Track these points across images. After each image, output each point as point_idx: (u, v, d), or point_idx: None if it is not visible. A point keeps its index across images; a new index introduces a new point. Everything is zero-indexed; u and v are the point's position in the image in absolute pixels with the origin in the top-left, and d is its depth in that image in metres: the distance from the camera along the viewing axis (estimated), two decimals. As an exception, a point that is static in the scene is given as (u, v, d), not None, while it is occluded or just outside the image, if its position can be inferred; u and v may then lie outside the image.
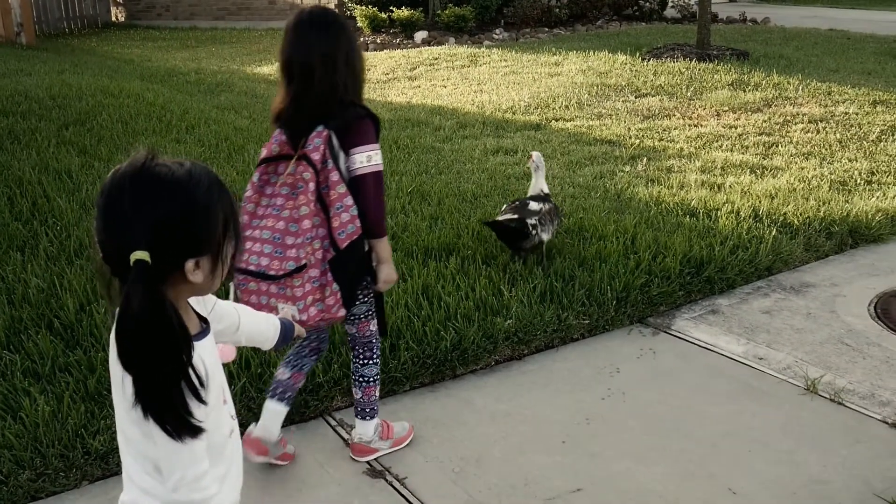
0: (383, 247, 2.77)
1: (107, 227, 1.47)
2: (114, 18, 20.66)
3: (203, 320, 1.64)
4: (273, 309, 2.61)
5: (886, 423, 3.25)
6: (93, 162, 6.30)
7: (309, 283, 2.60)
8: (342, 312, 2.69)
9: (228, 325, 1.89)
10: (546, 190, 4.65)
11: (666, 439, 3.18)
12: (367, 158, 2.64)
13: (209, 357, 1.61)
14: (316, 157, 2.56)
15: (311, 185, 2.57)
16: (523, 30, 14.89)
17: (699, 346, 3.92)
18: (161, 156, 1.51)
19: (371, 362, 2.97)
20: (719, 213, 5.17)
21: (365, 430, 3.03)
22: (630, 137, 7.41)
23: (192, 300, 1.65)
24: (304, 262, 2.58)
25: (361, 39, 14.65)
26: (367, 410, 3.02)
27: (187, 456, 1.53)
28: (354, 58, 2.66)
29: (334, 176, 2.60)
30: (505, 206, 4.65)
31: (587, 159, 6.69)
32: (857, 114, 8.05)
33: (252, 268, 2.62)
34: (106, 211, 1.47)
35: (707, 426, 3.26)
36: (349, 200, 2.62)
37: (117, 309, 1.47)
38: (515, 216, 4.32)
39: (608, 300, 4.10)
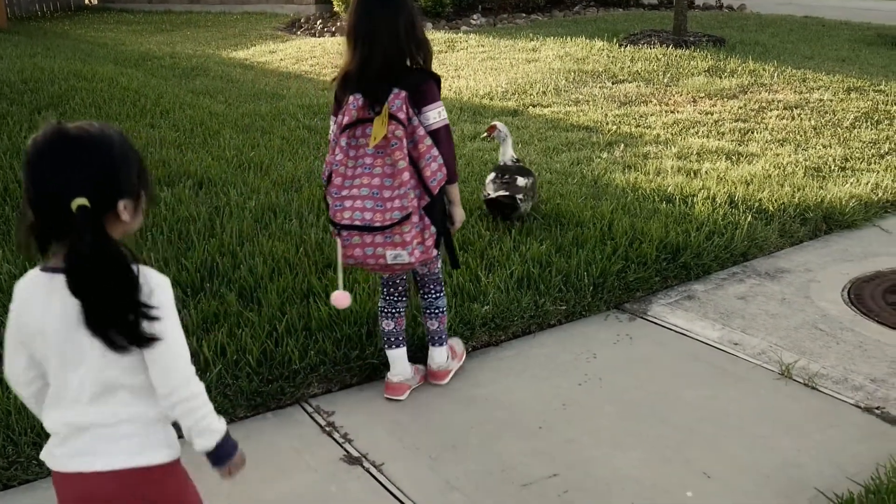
0: (455, 191, 3.13)
1: (44, 184, 1.70)
2: (87, 1, 20.39)
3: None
4: (380, 257, 2.94)
5: (859, 407, 3.29)
6: (65, 147, 6.21)
7: (413, 228, 2.92)
8: (435, 252, 3.08)
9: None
10: (515, 156, 4.96)
11: (642, 424, 3.20)
12: (438, 114, 2.97)
13: None
14: (402, 116, 2.86)
15: (404, 141, 2.87)
16: (501, 15, 14.85)
17: (675, 331, 3.94)
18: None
19: (442, 294, 3.37)
20: (695, 199, 5.19)
21: (441, 356, 3.41)
22: (607, 123, 7.42)
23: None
24: (409, 210, 2.88)
25: (338, 24, 14.56)
26: (444, 338, 3.41)
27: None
28: (416, 26, 2.94)
29: (420, 131, 2.91)
30: (493, 174, 4.88)
31: (564, 145, 6.70)
32: (831, 100, 8.11)
33: (357, 223, 2.89)
34: (40, 171, 1.70)
35: (683, 411, 3.28)
36: (435, 151, 2.94)
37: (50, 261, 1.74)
38: (507, 193, 4.68)
39: (585, 286, 4.10)
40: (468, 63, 10.40)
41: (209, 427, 1.88)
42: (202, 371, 3.27)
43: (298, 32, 14.67)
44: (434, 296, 3.34)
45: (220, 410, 3.15)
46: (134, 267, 1.74)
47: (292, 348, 3.42)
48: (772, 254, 4.83)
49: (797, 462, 2.96)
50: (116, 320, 1.72)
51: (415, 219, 2.92)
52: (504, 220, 4.77)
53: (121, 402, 1.80)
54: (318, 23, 14.97)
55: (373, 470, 2.93)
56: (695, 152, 6.41)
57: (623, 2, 16.53)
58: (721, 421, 3.22)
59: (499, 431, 3.16)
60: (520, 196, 4.69)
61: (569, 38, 11.57)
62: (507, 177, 4.76)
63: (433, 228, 3.01)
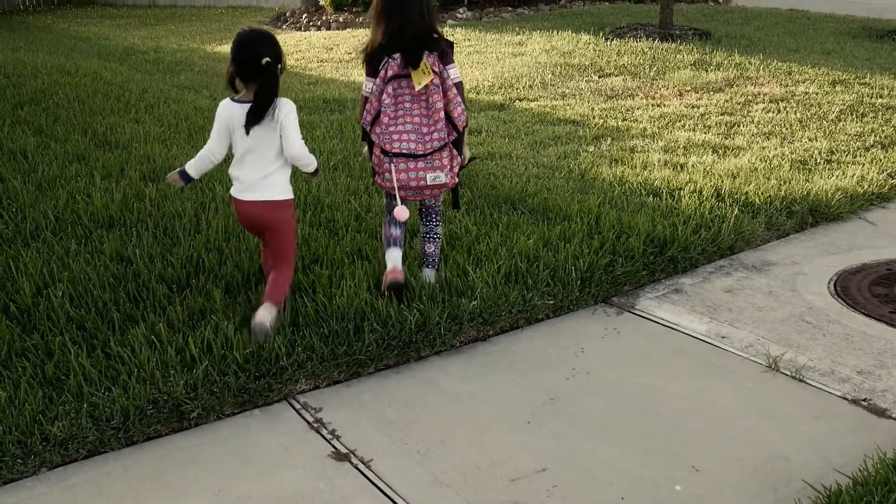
0: (465, 135, 3.85)
1: (248, 51, 3.33)
2: (70, -5, 20.23)
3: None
4: (422, 179, 3.68)
5: (846, 399, 3.30)
6: (49, 142, 6.18)
7: (448, 155, 3.69)
8: (457, 179, 3.83)
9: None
10: None
11: (630, 418, 3.20)
12: (456, 72, 3.75)
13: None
14: (437, 69, 3.63)
15: (440, 87, 3.64)
16: (487, 9, 14.84)
17: (663, 325, 3.94)
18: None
19: (441, 222, 4.02)
20: (682, 192, 5.20)
21: (433, 277, 3.97)
22: (594, 117, 7.42)
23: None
24: (445, 141, 3.66)
25: (323, 18, 14.49)
26: (437, 261, 4.00)
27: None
28: (432, 4, 3.78)
29: (448, 82, 3.67)
30: None
31: (551, 139, 6.69)
32: (816, 93, 8.14)
33: (404, 151, 3.65)
34: (245, 45, 3.36)
35: (670, 404, 3.29)
36: (459, 98, 3.71)
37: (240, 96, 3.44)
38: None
39: (573, 280, 4.10)
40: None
41: (311, 167, 3.65)
42: (188, 368, 3.26)
43: (284, 27, 14.61)
44: (435, 222, 4.00)
45: (206, 408, 3.16)
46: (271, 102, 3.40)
47: (279, 344, 3.40)
48: (758, 247, 4.84)
49: (784, 454, 2.97)
50: (258, 119, 3.39)
51: (447, 149, 3.69)
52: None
53: (269, 166, 3.48)
54: (304, 17, 14.91)
55: (361, 466, 2.92)
56: (681, 146, 6.42)
57: (609, -5, 16.53)
58: (709, 414, 3.22)
59: (487, 426, 3.16)
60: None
61: (555, 32, 11.57)
62: None
63: (459, 157, 3.79)
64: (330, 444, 3.05)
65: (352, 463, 2.94)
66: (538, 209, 4.89)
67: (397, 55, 3.62)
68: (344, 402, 3.32)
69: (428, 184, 3.69)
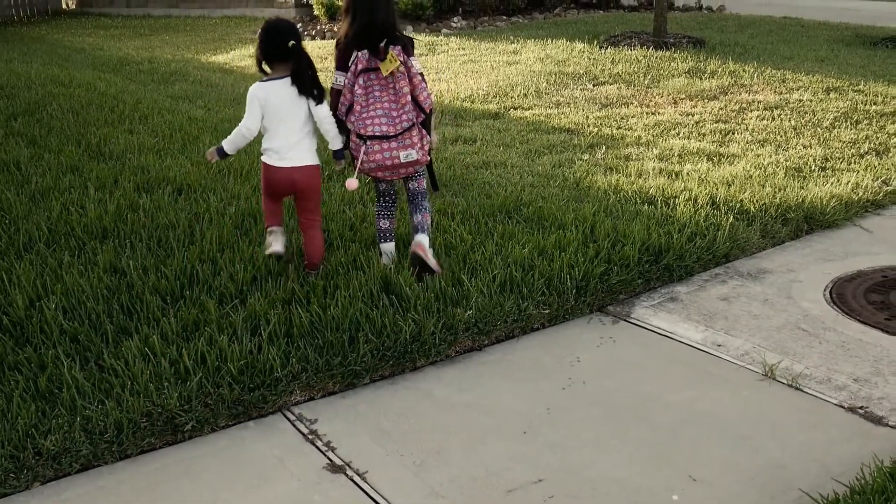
0: (432, 120, 4.19)
1: (276, 37, 3.90)
2: (65, 6, 20.25)
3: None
4: (395, 158, 4.02)
5: (843, 407, 3.29)
6: (42, 153, 6.16)
7: (416, 134, 4.05)
8: (429, 157, 4.19)
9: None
10: None
11: (626, 427, 3.19)
12: (419, 64, 4.09)
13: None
14: (402, 58, 3.95)
15: (406, 74, 4.00)
16: (481, 18, 14.86)
17: (658, 333, 3.93)
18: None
19: (427, 200, 4.32)
20: (677, 200, 5.20)
21: (425, 239, 4.21)
22: (588, 126, 7.43)
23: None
24: (412, 122, 4.03)
25: (318, 27, 14.51)
26: (426, 228, 4.25)
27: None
28: (393, 4, 4.15)
29: (412, 70, 4.02)
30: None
31: (546, 148, 6.69)
32: (811, 101, 8.15)
33: (377, 133, 3.99)
34: (273, 32, 3.92)
35: (667, 413, 3.27)
36: (424, 83, 4.08)
37: (273, 75, 3.98)
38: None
39: (568, 289, 4.09)
40: (449, 66, 10.38)
41: (336, 143, 4.13)
42: (182, 380, 3.24)
43: (278, 36, 14.62)
44: (420, 199, 4.29)
45: (200, 420, 3.14)
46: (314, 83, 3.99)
47: (274, 356, 3.39)
48: (754, 254, 4.84)
49: (782, 463, 2.95)
50: (310, 91, 3.96)
51: (415, 129, 4.04)
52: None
53: (300, 132, 4.01)
54: (299, 26, 14.93)
55: (356, 478, 2.91)
56: (676, 154, 6.42)
57: (603, 4, 16.58)
58: (705, 423, 3.21)
59: (483, 436, 3.14)
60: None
61: (549, 41, 11.59)
62: None
63: (428, 137, 4.12)
64: (325, 455, 3.03)
65: (347, 475, 2.92)
66: (533, 218, 4.88)
67: (365, 51, 3.97)
68: (339, 413, 3.31)
69: (402, 161, 4.04)
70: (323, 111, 4.02)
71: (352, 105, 4.02)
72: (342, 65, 4.07)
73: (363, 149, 4.01)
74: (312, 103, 3.97)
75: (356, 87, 4.01)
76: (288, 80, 3.92)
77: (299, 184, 4.06)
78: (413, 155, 4.04)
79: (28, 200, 5.10)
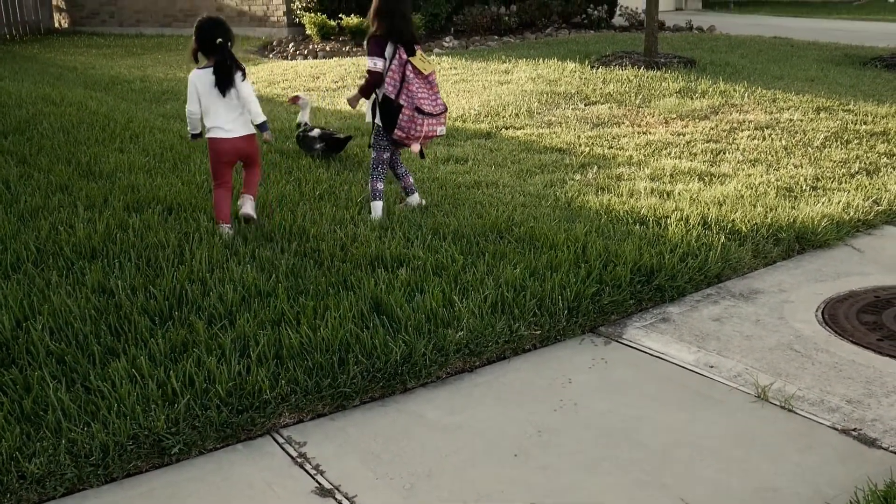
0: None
1: (210, 33, 4.75)
2: (57, 25, 20.26)
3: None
4: (435, 131, 5.11)
5: (836, 429, 3.27)
6: (32, 172, 6.13)
7: (445, 116, 5.19)
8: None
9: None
10: (309, 123, 7.10)
11: (618, 450, 3.16)
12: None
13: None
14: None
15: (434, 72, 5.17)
16: (473, 38, 14.92)
17: (651, 354, 3.91)
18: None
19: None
20: (669, 220, 5.19)
21: (417, 198, 5.55)
22: (580, 145, 7.44)
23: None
24: (446, 107, 5.19)
25: (310, 47, 14.54)
26: (415, 188, 5.58)
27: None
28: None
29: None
30: (317, 130, 6.96)
31: (537, 167, 6.69)
32: (801, 120, 8.18)
33: (426, 110, 5.00)
34: (206, 28, 4.78)
35: (659, 435, 3.25)
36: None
37: (205, 64, 4.85)
38: (341, 135, 7.04)
39: (559, 310, 4.07)
40: (441, 86, 10.39)
41: (259, 119, 4.91)
42: (169, 402, 3.20)
43: (271, 55, 14.64)
44: (402, 165, 5.58)
45: (188, 443, 3.10)
46: (237, 67, 4.81)
47: (263, 377, 3.35)
48: (746, 275, 4.83)
49: (774, 485, 2.93)
50: (228, 83, 4.77)
51: (445, 112, 5.18)
52: (335, 151, 6.91)
53: (237, 109, 4.85)
54: (291, 46, 14.94)
55: (346, 502, 2.87)
56: (667, 174, 6.42)
57: (594, 24, 16.67)
58: (698, 445, 3.18)
59: (474, 459, 3.11)
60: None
61: (541, 60, 11.63)
62: (324, 129, 7.09)
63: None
64: (314, 479, 3.00)
65: (336, 499, 2.89)
66: (525, 238, 4.86)
67: (399, 46, 5.00)
68: (328, 435, 3.27)
69: (437, 134, 5.17)
70: (246, 89, 4.82)
71: (401, 85, 4.99)
72: (378, 51, 5.00)
73: (420, 120, 4.99)
74: (239, 80, 4.78)
75: (407, 71, 4.98)
76: (211, 70, 4.76)
77: (245, 149, 4.96)
78: (443, 130, 5.19)
79: (17, 220, 5.06)
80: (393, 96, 4.99)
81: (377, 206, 5.26)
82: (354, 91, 5.37)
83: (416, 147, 5.14)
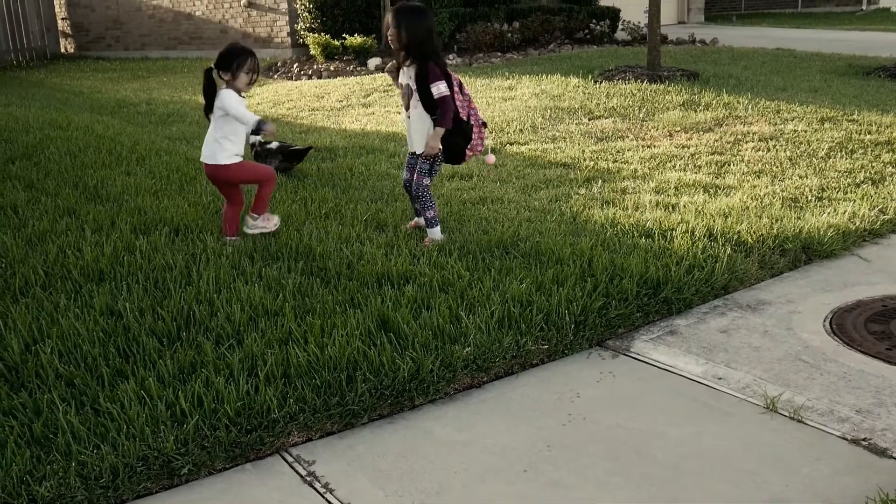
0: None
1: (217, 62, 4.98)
2: (63, 50, 20.42)
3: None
4: (481, 144, 5.25)
5: (846, 439, 3.26)
6: (39, 196, 6.17)
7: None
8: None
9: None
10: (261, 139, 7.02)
11: (628, 464, 3.16)
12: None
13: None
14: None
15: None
16: (476, 55, 14.97)
17: (659, 367, 3.90)
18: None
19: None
20: (674, 233, 5.19)
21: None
22: (584, 160, 7.45)
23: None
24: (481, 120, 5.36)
25: (314, 67, 14.62)
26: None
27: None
28: None
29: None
30: (275, 143, 6.99)
31: (542, 182, 6.71)
32: (805, 131, 8.18)
33: (483, 121, 5.29)
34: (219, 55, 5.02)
35: (668, 449, 3.24)
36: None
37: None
38: (298, 145, 7.28)
39: (566, 324, 4.07)
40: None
41: (251, 124, 4.88)
42: (178, 423, 3.21)
43: (275, 76, 14.72)
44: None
45: (197, 463, 3.11)
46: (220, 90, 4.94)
47: (271, 396, 3.36)
48: (752, 286, 4.82)
49: (785, 497, 2.92)
50: (208, 108, 4.99)
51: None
52: (296, 162, 7.10)
53: (211, 138, 5.01)
54: (295, 66, 15.03)
55: (355, 520, 2.87)
56: (672, 186, 6.43)
57: (597, 39, 16.72)
58: (707, 457, 3.18)
59: (483, 475, 3.11)
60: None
61: (544, 76, 11.67)
62: (281, 143, 7.12)
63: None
64: (324, 497, 3.00)
65: (346, 517, 2.88)
66: (531, 253, 4.87)
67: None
68: (337, 454, 3.27)
69: (482, 146, 5.30)
70: (227, 101, 4.85)
71: (467, 104, 5.20)
72: (441, 76, 4.99)
73: (483, 132, 5.26)
74: (220, 98, 4.87)
75: (463, 94, 5.19)
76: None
77: (211, 174, 5.11)
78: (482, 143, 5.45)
79: (25, 244, 5.09)
80: (465, 118, 5.09)
81: (438, 231, 5.25)
82: (433, 129, 5.05)
83: (490, 158, 5.32)
